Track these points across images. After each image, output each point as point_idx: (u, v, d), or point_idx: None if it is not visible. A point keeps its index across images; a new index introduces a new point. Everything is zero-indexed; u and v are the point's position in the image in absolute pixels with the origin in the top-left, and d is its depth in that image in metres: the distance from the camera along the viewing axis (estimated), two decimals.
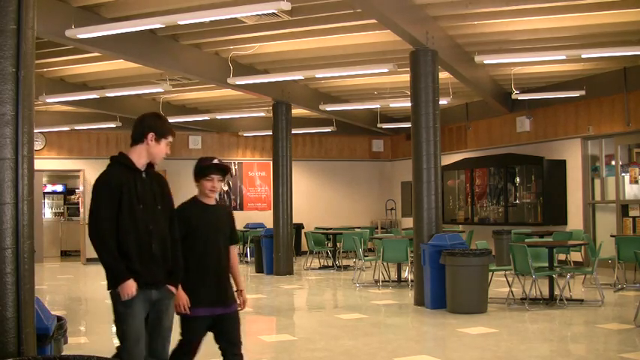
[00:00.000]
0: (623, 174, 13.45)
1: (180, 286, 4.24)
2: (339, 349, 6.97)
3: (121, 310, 3.89)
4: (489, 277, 9.51)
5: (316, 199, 19.64)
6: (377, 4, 8.27)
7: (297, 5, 8.80)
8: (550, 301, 9.54)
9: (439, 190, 9.96)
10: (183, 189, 20.50)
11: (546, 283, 9.83)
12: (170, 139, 4.10)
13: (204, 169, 4.49)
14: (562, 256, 12.41)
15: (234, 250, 4.70)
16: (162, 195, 4.11)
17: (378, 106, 16.14)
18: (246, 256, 16.95)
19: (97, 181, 3.95)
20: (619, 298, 10.15)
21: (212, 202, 4.57)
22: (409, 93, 10.26)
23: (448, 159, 16.99)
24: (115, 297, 3.87)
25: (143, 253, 3.92)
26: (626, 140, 13.52)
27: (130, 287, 3.82)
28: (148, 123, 4.06)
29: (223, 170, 4.58)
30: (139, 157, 4.03)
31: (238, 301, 4.55)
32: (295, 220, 16.44)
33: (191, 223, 4.41)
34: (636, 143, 13.59)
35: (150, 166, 4.09)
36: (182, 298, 4.28)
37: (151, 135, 4.02)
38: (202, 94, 15.30)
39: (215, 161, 4.51)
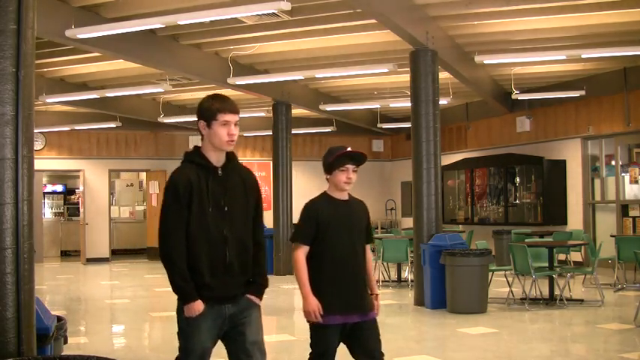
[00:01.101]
0: (623, 174, 13.45)
1: (310, 291, 3.91)
2: (339, 349, 6.96)
3: (184, 327, 3.51)
4: (489, 277, 9.51)
5: None
6: (377, 4, 8.27)
7: (297, 5, 8.79)
8: (550, 301, 9.54)
9: (439, 190, 9.96)
10: None
11: (546, 283, 9.83)
12: (223, 117, 3.48)
13: (338, 158, 4.01)
14: (562, 256, 12.41)
15: (369, 249, 4.22)
16: (243, 193, 3.57)
17: (378, 106, 16.15)
18: None
19: (166, 185, 3.49)
20: (619, 298, 10.15)
21: (345, 196, 4.11)
22: (409, 93, 10.26)
23: (448, 159, 16.99)
24: (180, 311, 3.51)
25: (216, 264, 3.45)
26: (626, 140, 13.52)
27: (196, 309, 3.42)
28: (198, 111, 3.55)
29: (359, 158, 4.08)
30: (208, 151, 3.53)
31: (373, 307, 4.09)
32: (295, 220, 16.44)
33: (321, 221, 3.98)
34: (636, 143, 13.59)
35: (231, 160, 3.59)
36: (312, 304, 3.89)
37: (201, 124, 3.52)
38: (202, 94, 15.25)
39: (348, 149, 4.04)
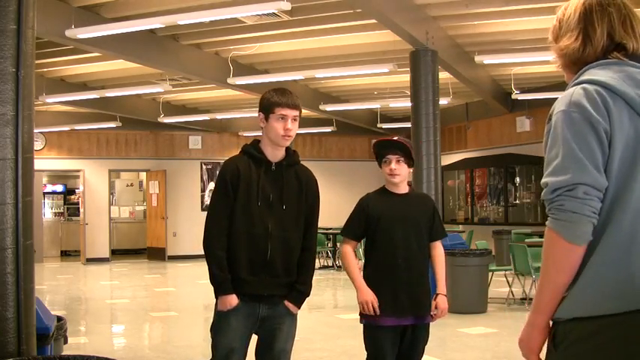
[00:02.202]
0: None
1: (363, 282, 3.69)
2: (339, 349, 6.97)
3: (216, 320, 3.41)
4: (489, 277, 9.51)
5: None
6: (377, 4, 8.27)
7: (297, 5, 8.79)
8: None
9: (439, 190, 9.97)
10: (183, 189, 20.48)
11: None
12: (280, 111, 3.34)
13: (378, 148, 3.77)
14: None
15: (439, 246, 3.92)
16: (298, 193, 3.43)
17: (378, 106, 16.15)
18: None
19: (218, 173, 3.46)
20: None
21: (403, 189, 3.82)
22: (409, 93, 10.26)
23: (448, 159, 16.99)
24: (216, 304, 3.43)
25: (256, 259, 3.32)
26: None
27: (229, 303, 3.31)
28: (259, 104, 3.45)
29: (402, 148, 3.77)
30: (265, 144, 3.44)
31: (433, 308, 3.80)
32: None
33: (371, 215, 3.74)
34: None
35: (290, 158, 3.48)
36: (368, 294, 3.64)
37: (260, 117, 3.43)
38: (202, 94, 15.30)
39: (395, 138, 3.80)
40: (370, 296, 3.63)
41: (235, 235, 3.32)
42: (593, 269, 1.74)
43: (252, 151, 3.44)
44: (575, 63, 1.97)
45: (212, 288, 3.40)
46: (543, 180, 1.79)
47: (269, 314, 3.38)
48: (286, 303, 3.39)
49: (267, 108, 3.40)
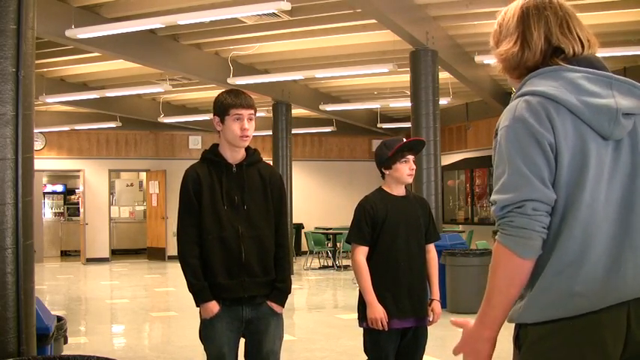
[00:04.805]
0: None
1: (375, 297, 3.64)
2: (339, 349, 6.97)
3: (202, 328, 3.40)
4: None
5: (316, 199, 19.66)
6: (377, 4, 8.28)
7: (297, 5, 8.79)
8: None
9: (439, 190, 9.97)
10: None
11: None
12: (235, 112, 3.35)
13: (400, 149, 3.74)
14: None
15: (433, 249, 3.93)
16: (262, 192, 3.43)
17: (378, 106, 16.15)
18: None
19: (180, 184, 3.48)
20: None
21: (402, 191, 3.85)
22: (409, 93, 10.27)
23: (448, 159, 16.99)
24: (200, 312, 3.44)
25: (231, 263, 3.32)
26: None
27: (210, 310, 3.31)
28: (213, 107, 3.47)
29: (419, 148, 3.88)
30: (223, 147, 3.46)
31: (430, 314, 3.82)
32: (295, 220, 16.45)
33: (377, 218, 3.72)
34: None
35: (250, 157, 3.48)
36: (379, 311, 3.61)
37: (216, 120, 3.44)
38: (202, 94, 15.31)
39: (404, 140, 3.80)
40: (381, 313, 3.62)
41: (207, 242, 3.34)
42: (545, 279, 1.78)
43: (211, 156, 3.47)
44: (516, 68, 1.98)
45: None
46: (492, 197, 1.83)
47: (253, 316, 3.38)
48: (269, 303, 3.38)
49: (222, 110, 3.41)
